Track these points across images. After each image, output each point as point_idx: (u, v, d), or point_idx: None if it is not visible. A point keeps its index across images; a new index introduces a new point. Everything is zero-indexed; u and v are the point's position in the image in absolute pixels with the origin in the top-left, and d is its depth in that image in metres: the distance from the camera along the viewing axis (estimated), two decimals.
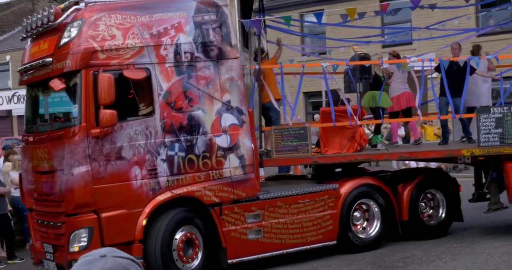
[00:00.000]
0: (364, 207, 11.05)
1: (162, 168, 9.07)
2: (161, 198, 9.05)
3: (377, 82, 11.98)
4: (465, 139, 12.58)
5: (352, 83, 11.70)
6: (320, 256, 10.54)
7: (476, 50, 12.51)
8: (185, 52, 9.41)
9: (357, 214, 11.01)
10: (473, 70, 11.59)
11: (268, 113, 12.22)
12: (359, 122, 11.38)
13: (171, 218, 9.18)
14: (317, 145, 11.91)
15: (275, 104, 11.91)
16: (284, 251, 10.09)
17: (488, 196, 11.89)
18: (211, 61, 9.60)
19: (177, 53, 9.33)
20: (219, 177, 9.54)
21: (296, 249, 10.21)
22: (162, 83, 9.17)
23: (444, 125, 12.53)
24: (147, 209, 8.95)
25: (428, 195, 11.61)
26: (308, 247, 10.32)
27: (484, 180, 12.27)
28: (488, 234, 11.59)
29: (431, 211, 11.65)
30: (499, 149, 10.96)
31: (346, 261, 10.24)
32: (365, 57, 11.81)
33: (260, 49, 11.63)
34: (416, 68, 12.82)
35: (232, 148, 9.66)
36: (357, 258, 10.37)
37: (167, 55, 9.26)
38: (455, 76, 11.60)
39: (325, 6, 26.64)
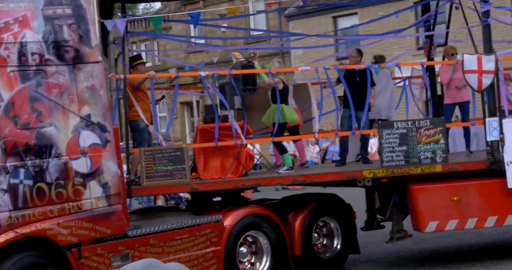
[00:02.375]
0: (251, 240, 9.77)
1: (3, 200, 7.29)
2: (0, 239, 7.25)
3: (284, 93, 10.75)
4: (360, 158, 11.61)
5: (235, 97, 10.40)
6: None
7: (379, 61, 11.59)
8: (32, 54, 7.71)
9: (243, 249, 9.72)
10: (372, 84, 10.62)
11: (133, 134, 10.60)
12: (245, 141, 10.05)
13: (13, 267, 7.36)
14: (193, 169, 10.45)
15: (143, 122, 10.28)
16: None
17: (383, 223, 11.10)
18: (66, 65, 7.93)
19: (22, 54, 7.62)
20: (77, 211, 7.86)
21: None
22: (2, 92, 7.43)
23: (342, 142, 11.47)
24: None
25: (322, 224, 10.50)
26: None
27: (378, 204, 11.40)
28: (388, 268, 10.65)
29: (326, 241, 10.54)
30: (404, 169, 10.00)
31: None
32: (248, 65, 10.54)
33: (124, 55, 10.10)
34: None
35: (94, 174, 8.03)
36: None
37: (8, 57, 7.53)
38: (358, 86, 10.57)
39: (358, 9, 26.82)
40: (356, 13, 28.90)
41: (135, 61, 10.47)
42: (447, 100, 11.34)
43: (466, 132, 11.35)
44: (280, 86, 10.49)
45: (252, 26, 32.98)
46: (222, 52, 26.28)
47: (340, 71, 10.19)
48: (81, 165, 7.93)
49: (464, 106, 11.37)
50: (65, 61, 7.94)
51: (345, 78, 10.55)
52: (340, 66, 10.38)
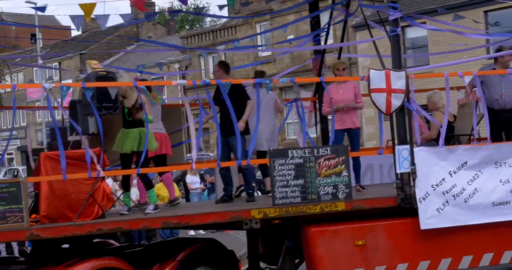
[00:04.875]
0: None
1: None
2: None
3: None
4: (241, 192, 9.95)
5: (90, 117, 8.47)
6: None
7: (260, 77, 9.96)
8: None
9: None
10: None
11: None
12: (102, 174, 8.10)
13: None
14: (34, 210, 8.39)
15: None
16: None
17: None
18: None
19: None
20: None
21: None
22: None
23: (224, 175, 9.74)
24: None
25: None
26: None
27: (262, 249, 9.92)
28: None
29: None
30: (301, 207, 8.42)
31: None
32: (107, 76, 8.63)
33: None
34: None
35: None
36: None
37: None
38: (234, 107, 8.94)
39: (426, 19, 25.49)
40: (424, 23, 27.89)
41: None
42: (335, 126, 9.89)
43: (356, 164, 9.94)
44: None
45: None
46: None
47: (223, 87, 8.47)
48: None
49: (353, 134, 9.97)
50: None
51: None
52: (223, 80, 8.65)
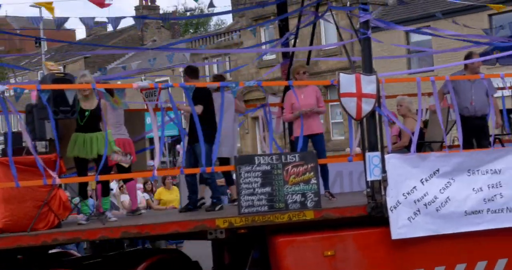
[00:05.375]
0: None
1: None
2: None
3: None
4: (204, 202, 9.59)
5: (47, 122, 8.06)
6: None
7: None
8: None
9: None
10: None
11: None
12: (58, 181, 7.70)
13: None
14: None
15: None
16: None
17: None
18: None
19: None
20: None
21: None
22: None
23: (189, 183, 9.37)
24: None
25: None
26: None
27: (228, 260, 9.49)
28: None
29: None
30: (268, 216, 8.10)
31: None
32: (65, 79, 8.24)
33: None
34: None
35: None
36: None
37: None
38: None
39: (431, 22, 25.60)
40: (429, 26, 27.67)
41: None
42: (297, 132, 9.58)
43: (324, 171, 9.64)
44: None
45: (323, 40, 33.60)
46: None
47: (188, 90, 8.11)
48: None
49: (317, 139, 9.68)
50: None
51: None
52: (187, 83, 8.31)
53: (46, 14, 9.40)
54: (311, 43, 11.23)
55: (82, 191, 8.84)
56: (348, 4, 9.83)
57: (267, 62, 36.44)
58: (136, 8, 53.71)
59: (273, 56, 35.43)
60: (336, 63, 29.60)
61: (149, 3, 54.18)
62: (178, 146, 37.09)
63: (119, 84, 9.26)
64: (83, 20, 9.07)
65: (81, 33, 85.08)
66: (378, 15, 32.65)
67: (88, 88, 8.13)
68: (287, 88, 10.09)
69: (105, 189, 8.80)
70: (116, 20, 9.19)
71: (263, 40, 34.83)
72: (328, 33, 34.00)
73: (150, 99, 10.50)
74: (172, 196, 15.23)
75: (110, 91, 8.79)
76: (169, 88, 8.41)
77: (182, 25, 64.57)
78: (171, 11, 62.32)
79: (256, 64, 35.99)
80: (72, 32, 54.12)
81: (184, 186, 10.12)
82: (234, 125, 10.23)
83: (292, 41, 11.62)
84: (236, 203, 8.71)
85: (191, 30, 67.92)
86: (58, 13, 9.06)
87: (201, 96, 8.76)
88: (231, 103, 10.01)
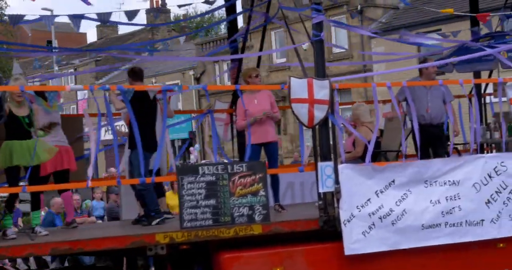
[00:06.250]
0: None
1: None
2: None
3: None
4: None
5: None
6: None
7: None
8: None
9: None
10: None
11: None
12: None
13: None
14: None
15: None
16: None
17: None
18: None
19: None
20: None
21: None
22: None
23: (139, 193, 8.72)
24: None
25: None
26: None
27: None
28: None
29: None
30: (212, 231, 7.57)
31: None
32: None
33: None
34: None
35: None
36: None
37: None
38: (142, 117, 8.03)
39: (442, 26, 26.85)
40: (439, 30, 27.24)
41: None
42: (251, 140, 9.09)
43: (275, 182, 9.14)
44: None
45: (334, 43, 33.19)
46: None
47: (125, 94, 7.52)
48: None
49: (270, 148, 9.19)
50: None
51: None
52: (125, 86, 7.72)
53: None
54: (261, 47, 10.72)
55: (10, 203, 8.17)
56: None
57: (278, 66, 36.29)
58: (147, 11, 53.55)
59: (284, 59, 35.45)
60: (348, 67, 29.32)
61: (160, 6, 53.89)
62: (191, 148, 36.86)
63: (51, 86, 8.57)
64: (99, 15, 8.60)
65: (92, 36, 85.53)
66: (389, 19, 32.75)
67: (15, 90, 7.50)
68: (235, 94, 9.57)
69: (35, 202, 8.16)
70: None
71: (273, 42, 35.25)
72: (338, 36, 34.01)
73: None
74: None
75: (40, 94, 8.13)
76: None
77: (193, 28, 64.36)
78: (181, 15, 62.46)
79: (267, 68, 35.81)
80: (83, 35, 53.29)
81: (124, 196, 9.56)
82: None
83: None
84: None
85: (201, 34, 67.66)
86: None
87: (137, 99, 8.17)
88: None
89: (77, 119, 10.17)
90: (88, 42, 63.31)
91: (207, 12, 16.24)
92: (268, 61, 34.62)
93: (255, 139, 8.98)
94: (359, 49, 31.39)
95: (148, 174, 8.16)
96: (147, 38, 54.65)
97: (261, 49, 10.85)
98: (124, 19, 9.29)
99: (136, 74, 8.93)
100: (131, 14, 9.18)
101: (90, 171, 7.62)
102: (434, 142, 9.59)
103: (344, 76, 9.38)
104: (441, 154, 9.38)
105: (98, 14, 8.57)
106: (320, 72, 8.10)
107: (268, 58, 31.73)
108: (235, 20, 10.88)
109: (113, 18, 8.77)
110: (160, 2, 54.82)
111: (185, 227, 7.54)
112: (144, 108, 8.32)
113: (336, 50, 34.32)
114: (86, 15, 8.79)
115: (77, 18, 8.59)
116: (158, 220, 8.42)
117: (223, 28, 66.05)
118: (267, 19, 10.53)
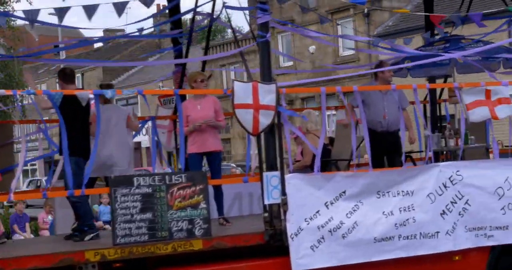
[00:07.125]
0: None
1: None
2: None
3: None
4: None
5: None
6: None
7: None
8: None
9: None
10: None
11: None
12: None
13: None
14: None
15: None
16: None
17: None
18: None
19: None
20: None
21: None
22: None
23: (74, 204, 8.11)
24: None
25: None
26: None
27: None
28: None
29: None
30: (148, 247, 7.02)
31: None
32: None
33: None
34: None
35: None
36: None
37: None
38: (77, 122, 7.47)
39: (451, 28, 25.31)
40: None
41: None
42: (191, 149, 8.58)
43: (218, 193, 8.62)
44: None
45: (340, 47, 34.16)
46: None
47: (53, 98, 6.96)
48: None
49: (213, 158, 8.69)
50: None
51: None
52: (66, 92, 7.18)
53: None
54: (205, 52, 10.22)
55: None
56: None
57: (284, 68, 35.89)
58: (154, 16, 52.55)
59: (290, 63, 35.88)
60: (356, 69, 29.11)
61: (166, 11, 53.62)
62: None
63: None
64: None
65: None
66: (396, 22, 32.56)
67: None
68: (184, 99, 9.04)
69: None
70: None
71: (280, 46, 35.51)
72: (345, 39, 33.82)
73: (167, 106, 10.41)
74: None
75: None
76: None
77: (200, 32, 63.58)
78: (188, 20, 61.88)
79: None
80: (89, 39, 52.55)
81: (59, 208, 8.97)
82: (128, 140, 9.11)
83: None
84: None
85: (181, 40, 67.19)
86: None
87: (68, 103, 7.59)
88: (124, 116, 8.96)
89: (7, 125, 9.57)
90: (95, 46, 62.56)
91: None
92: (274, 63, 34.40)
93: (195, 148, 8.47)
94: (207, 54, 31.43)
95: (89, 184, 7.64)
96: (154, 42, 54.55)
97: (205, 54, 10.32)
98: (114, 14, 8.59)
99: (67, 76, 8.30)
100: (120, 7, 8.40)
101: (14, 184, 7.02)
102: (390, 150, 9.21)
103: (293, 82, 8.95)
104: (398, 163, 8.97)
105: (25, 11, 7.92)
106: (266, 76, 7.62)
107: (275, 62, 31.56)
108: (180, 20, 10.36)
109: (100, 11, 8.03)
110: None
111: (118, 243, 6.98)
112: (75, 113, 7.75)
113: (343, 53, 34.62)
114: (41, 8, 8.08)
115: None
116: (92, 235, 7.85)
117: (229, 32, 65.89)
118: (212, 20, 10.03)
